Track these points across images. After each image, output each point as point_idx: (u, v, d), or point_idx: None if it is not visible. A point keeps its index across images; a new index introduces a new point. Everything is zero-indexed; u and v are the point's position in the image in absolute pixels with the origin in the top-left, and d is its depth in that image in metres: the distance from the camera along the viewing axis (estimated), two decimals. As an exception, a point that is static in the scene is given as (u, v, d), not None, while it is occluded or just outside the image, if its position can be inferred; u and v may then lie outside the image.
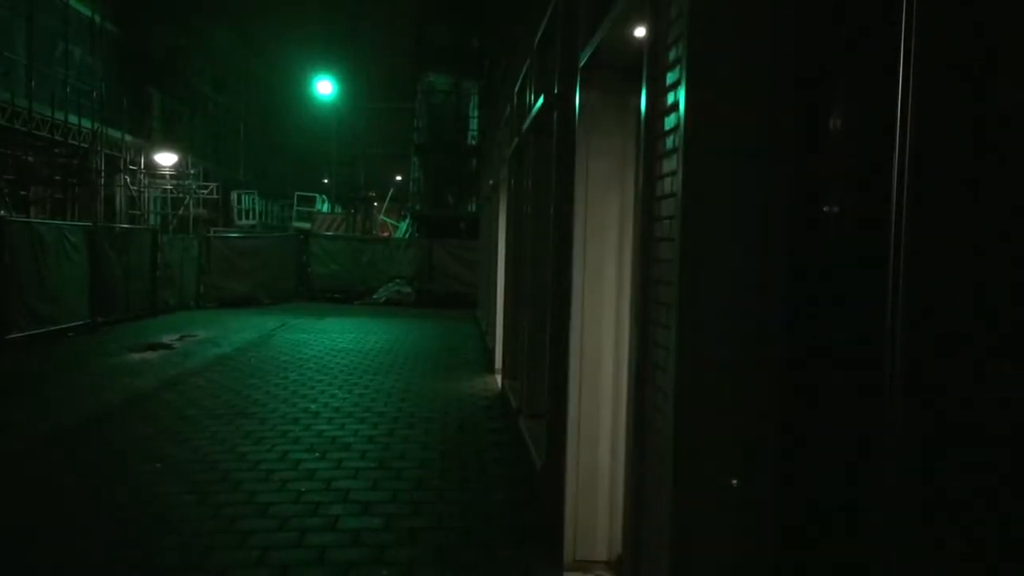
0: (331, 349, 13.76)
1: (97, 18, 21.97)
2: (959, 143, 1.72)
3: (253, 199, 35.94)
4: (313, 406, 9.08)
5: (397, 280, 23.71)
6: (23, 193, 20.61)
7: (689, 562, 2.64)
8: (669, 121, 2.90)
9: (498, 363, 11.09)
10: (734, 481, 2.56)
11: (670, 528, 2.67)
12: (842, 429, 2.20)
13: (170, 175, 26.01)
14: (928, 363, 1.76)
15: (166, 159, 25.32)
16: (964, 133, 1.71)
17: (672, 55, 2.86)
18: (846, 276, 2.23)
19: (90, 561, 4.88)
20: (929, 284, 1.76)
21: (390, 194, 42.12)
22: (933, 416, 1.75)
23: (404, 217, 37.34)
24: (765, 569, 2.59)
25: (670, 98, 2.89)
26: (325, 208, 38.51)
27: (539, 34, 6.76)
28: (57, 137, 19.48)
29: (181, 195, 26.31)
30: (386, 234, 35.04)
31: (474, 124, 28.72)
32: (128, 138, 23.19)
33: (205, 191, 27.92)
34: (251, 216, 35.33)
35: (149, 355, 12.86)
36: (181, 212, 26.15)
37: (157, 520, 5.49)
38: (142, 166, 24.53)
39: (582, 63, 4.60)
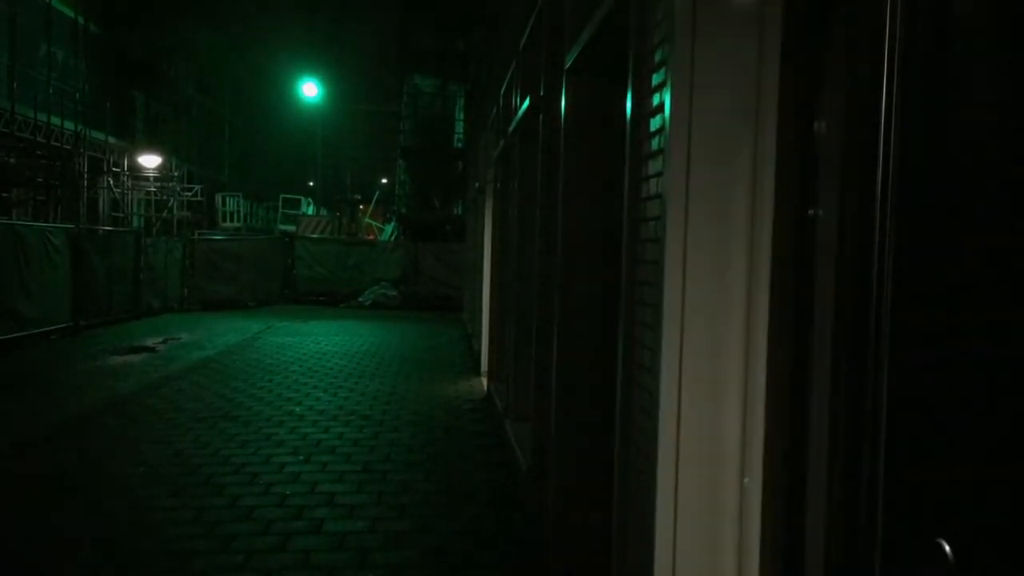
0: (316, 352, 13.70)
1: (80, 19, 21.81)
2: (944, 142, 1.73)
3: (238, 201, 35.78)
4: (298, 409, 9.04)
5: (383, 283, 23.64)
6: (5, 195, 20.49)
7: (675, 564, 2.64)
8: (654, 123, 2.90)
9: (484, 366, 11.08)
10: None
11: (656, 530, 2.66)
12: (831, 426, 2.20)
13: (154, 177, 25.86)
14: (913, 362, 1.77)
15: (150, 161, 25.16)
16: (949, 131, 1.71)
17: (658, 56, 2.87)
18: (832, 275, 2.23)
19: (69, 566, 4.83)
20: (914, 282, 1.77)
21: (376, 197, 42.03)
22: (918, 421, 1.76)
23: (390, 220, 37.26)
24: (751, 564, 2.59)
25: (655, 100, 2.89)
26: (310, 211, 38.38)
27: (525, 36, 6.76)
28: (39, 139, 19.33)
29: (165, 197, 26.16)
30: (372, 237, 34.92)
31: (460, 127, 28.70)
32: (111, 140, 23.04)
33: (189, 193, 27.77)
34: (236, 218, 35.18)
35: (132, 358, 12.76)
36: (165, 214, 26.01)
37: (139, 524, 5.44)
38: (125, 168, 24.39)
39: (567, 65, 4.60)
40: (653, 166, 2.90)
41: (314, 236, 28.06)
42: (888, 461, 1.81)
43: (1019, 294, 1.48)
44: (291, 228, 32.07)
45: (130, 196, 25.21)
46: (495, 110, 10.07)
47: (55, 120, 19.63)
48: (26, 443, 7.58)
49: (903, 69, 1.81)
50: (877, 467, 1.84)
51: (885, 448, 1.82)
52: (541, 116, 5.64)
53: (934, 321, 1.72)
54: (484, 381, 10.82)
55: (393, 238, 30.04)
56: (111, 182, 23.59)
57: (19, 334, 13.57)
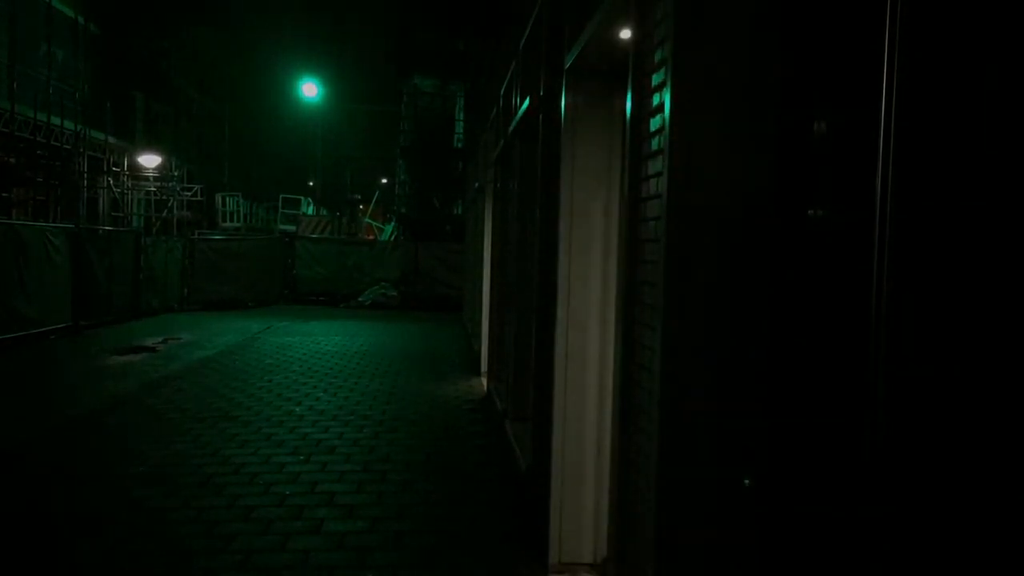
0: (316, 352, 13.70)
1: (80, 19, 21.80)
2: (943, 148, 1.73)
3: (237, 201, 35.73)
4: (298, 409, 9.04)
5: (382, 283, 23.63)
6: (5, 195, 20.46)
7: (674, 566, 2.64)
8: (654, 123, 2.91)
9: (484, 366, 11.08)
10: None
11: (655, 531, 2.66)
12: (828, 428, 2.20)
13: (154, 177, 25.86)
14: (912, 362, 1.77)
15: (150, 161, 25.16)
16: (948, 135, 1.71)
17: (658, 56, 2.87)
18: (830, 276, 2.23)
19: (68, 566, 4.82)
20: (912, 287, 1.77)
21: (376, 197, 42.03)
22: (917, 413, 1.76)
23: (389, 220, 37.24)
24: (750, 572, 2.59)
25: (655, 100, 2.89)
26: (310, 210, 38.33)
27: (525, 36, 6.76)
28: (40, 139, 19.33)
29: (165, 197, 26.15)
30: (371, 237, 34.89)
31: (460, 127, 28.68)
32: (111, 140, 23.04)
33: (189, 193, 27.76)
34: (235, 218, 35.13)
35: (132, 358, 12.76)
36: (165, 214, 26.01)
37: (138, 524, 5.43)
38: (125, 168, 24.39)
39: (567, 65, 4.60)
40: (653, 166, 2.90)
41: (314, 236, 28.01)
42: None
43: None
44: (291, 228, 32.01)
45: (130, 196, 25.20)
46: (495, 110, 10.07)
47: (55, 120, 19.63)
48: (25, 443, 7.57)
49: (902, 62, 1.80)
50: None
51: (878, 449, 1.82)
52: (541, 116, 5.64)
53: (925, 326, 1.72)
54: (484, 381, 10.82)
55: (393, 238, 30.03)
56: (111, 182, 23.60)
57: (19, 334, 13.57)
